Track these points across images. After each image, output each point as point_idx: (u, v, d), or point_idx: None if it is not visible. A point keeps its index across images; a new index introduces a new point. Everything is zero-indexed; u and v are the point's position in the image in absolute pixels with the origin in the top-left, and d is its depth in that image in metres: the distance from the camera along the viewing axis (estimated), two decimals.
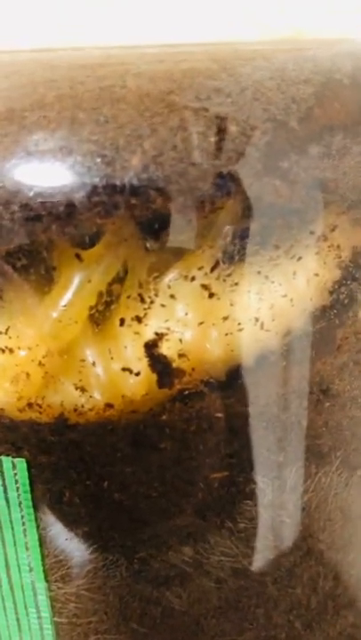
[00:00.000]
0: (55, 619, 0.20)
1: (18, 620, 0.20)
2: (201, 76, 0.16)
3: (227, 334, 0.17)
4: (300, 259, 0.17)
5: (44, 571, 0.19)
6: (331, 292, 0.18)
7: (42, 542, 0.19)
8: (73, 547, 0.19)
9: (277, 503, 0.19)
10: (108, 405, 0.17)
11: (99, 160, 0.15)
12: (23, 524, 0.18)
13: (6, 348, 0.17)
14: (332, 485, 0.20)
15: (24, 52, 0.20)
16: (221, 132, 0.16)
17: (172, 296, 0.16)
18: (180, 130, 0.15)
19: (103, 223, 0.15)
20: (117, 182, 0.15)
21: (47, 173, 0.15)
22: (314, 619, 0.21)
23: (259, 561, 0.20)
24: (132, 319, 0.17)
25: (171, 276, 0.16)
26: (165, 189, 0.15)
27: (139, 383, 0.17)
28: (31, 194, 0.15)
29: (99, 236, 0.16)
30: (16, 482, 0.18)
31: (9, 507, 0.18)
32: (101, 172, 0.15)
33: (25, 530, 0.19)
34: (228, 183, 0.15)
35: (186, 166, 0.15)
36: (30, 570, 0.19)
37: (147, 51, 0.18)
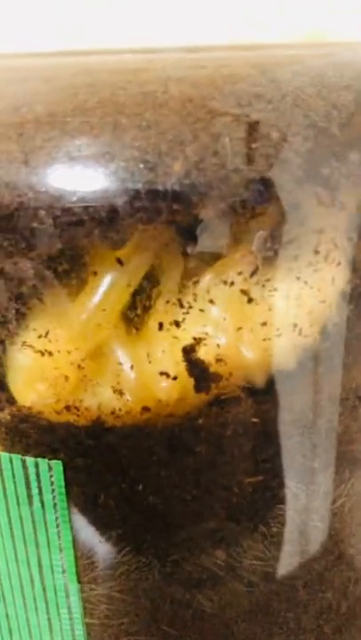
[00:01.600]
0: (87, 620, 0.20)
1: (49, 620, 0.20)
2: (242, 82, 0.16)
3: (265, 340, 0.17)
4: (339, 264, 0.17)
5: (76, 572, 0.19)
6: None
7: (75, 544, 0.19)
8: (106, 549, 0.19)
9: (310, 508, 0.19)
10: (145, 409, 0.17)
11: (141, 166, 0.15)
12: (57, 525, 0.19)
13: (46, 350, 0.17)
14: None
15: (61, 55, 0.20)
16: (263, 138, 0.16)
17: (210, 301, 0.16)
18: (222, 136, 0.15)
19: (145, 228, 0.15)
20: (160, 188, 0.15)
21: (90, 179, 0.15)
22: (343, 623, 0.21)
23: (290, 565, 0.20)
24: (171, 323, 0.17)
25: (210, 281, 0.16)
26: (207, 195, 0.15)
27: (176, 387, 0.17)
28: (74, 199, 0.15)
29: (139, 241, 0.16)
30: (52, 484, 0.18)
31: (44, 508, 0.18)
32: (144, 178, 0.15)
33: (59, 531, 0.19)
34: (269, 189, 0.15)
35: (227, 172, 0.15)
36: (63, 571, 0.19)
37: (186, 56, 0.18)
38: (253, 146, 0.15)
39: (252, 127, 0.16)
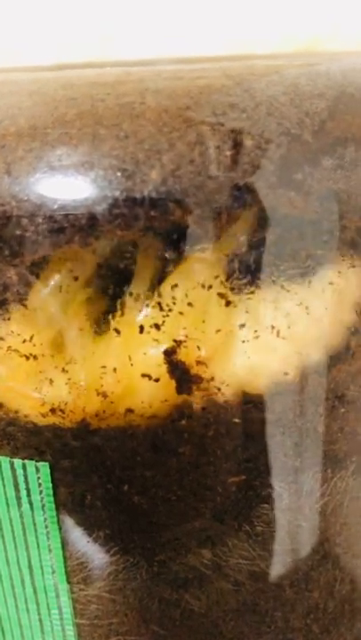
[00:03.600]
0: (77, 620, 0.20)
1: (40, 621, 0.20)
2: (217, 92, 0.17)
3: (243, 342, 0.17)
4: (314, 267, 0.17)
5: (66, 573, 0.20)
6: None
7: (64, 545, 0.19)
8: (94, 549, 0.19)
9: (294, 507, 0.19)
10: (129, 411, 0.18)
11: (119, 174, 0.16)
12: (46, 526, 0.19)
13: (31, 355, 0.17)
14: (348, 490, 0.20)
15: (45, 69, 0.20)
16: (237, 145, 0.16)
17: (189, 304, 0.17)
18: (198, 144, 0.16)
19: (124, 234, 0.16)
20: (137, 195, 0.16)
21: (70, 187, 0.16)
22: (331, 623, 0.22)
23: (276, 564, 0.20)
24: (151, 326, 0.17)
25: (188, 285, 0.17)
26: (183, 202, 0.16)
27: (158, 389, 0.17)
28: (55, 207, 0.16)
29: (119, 247, 0.16)
30: (39, 485, 0.18)
31: (32, 510, 0.19)
32: (122, 186, 0.16)
33: (48, 532, 0.19)
34: (244, 195, 0.16)
35: (203, 179, 0.16)
36: (53, 572, 0.20)
37: (164, 68, 0.18)
38: (228, 153, 0.16)
39: (227, 135, 0.16)
